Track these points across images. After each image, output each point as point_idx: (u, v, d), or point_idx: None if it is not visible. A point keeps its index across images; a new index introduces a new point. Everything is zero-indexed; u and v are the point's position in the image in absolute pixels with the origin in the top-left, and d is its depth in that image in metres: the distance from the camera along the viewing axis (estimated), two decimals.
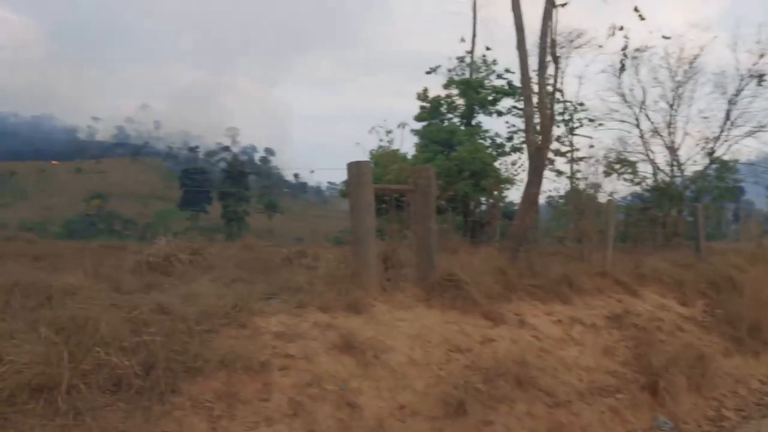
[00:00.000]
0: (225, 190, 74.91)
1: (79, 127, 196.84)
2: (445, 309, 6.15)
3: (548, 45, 9.26)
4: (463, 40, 21.35)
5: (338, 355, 4.80)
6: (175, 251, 7.77)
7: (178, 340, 4.26)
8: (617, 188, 16.71)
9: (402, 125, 19.37)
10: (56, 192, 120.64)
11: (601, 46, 17.30)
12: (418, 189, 6.30)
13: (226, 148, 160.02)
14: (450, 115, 20.94)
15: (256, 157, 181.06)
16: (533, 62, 9.75)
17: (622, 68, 17.75)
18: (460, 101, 20.67)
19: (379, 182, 11.16)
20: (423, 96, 21.06)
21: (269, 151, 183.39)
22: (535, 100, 9.75)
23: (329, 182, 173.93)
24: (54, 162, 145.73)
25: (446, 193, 14.66)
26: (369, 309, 5.58)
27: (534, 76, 10.01)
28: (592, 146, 19.55)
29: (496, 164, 19.04)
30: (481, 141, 19.44)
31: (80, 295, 4.84)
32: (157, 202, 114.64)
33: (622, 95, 19.59)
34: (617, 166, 17.17)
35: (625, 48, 13.37)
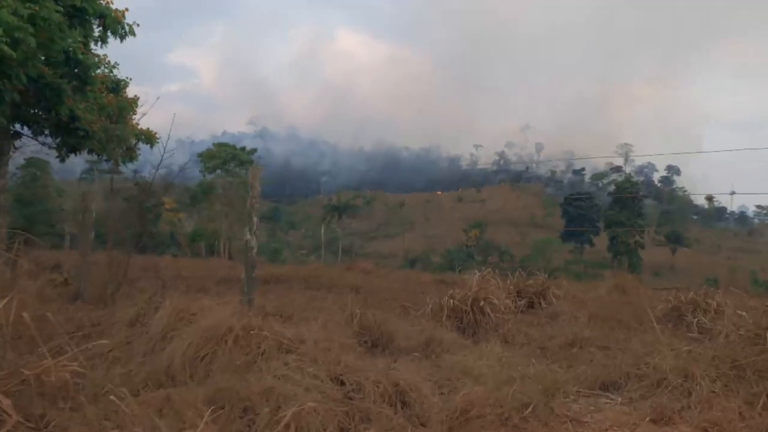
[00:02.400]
0: (613, 217, 71.53)
1: (462, 156, 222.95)
2: None
3: None
4: None
5: None
6: (489, 293, 6.38)
7: None
8: None
9: None
10: (439, 222, 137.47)
11: None
12: None
13: (617, 169, 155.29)
14: None
15: (655, 177, 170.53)
16: None
17: None
18: None
19: None
20: None
21: (672, 170, 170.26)
22: None
23: (757, 206, 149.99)
24: (438, 192, 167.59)
25: None
26: None
27: None
28: None
29: None
30: None
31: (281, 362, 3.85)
32: (537, 231, 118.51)
33: None
34: None
35: None
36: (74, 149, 11.59)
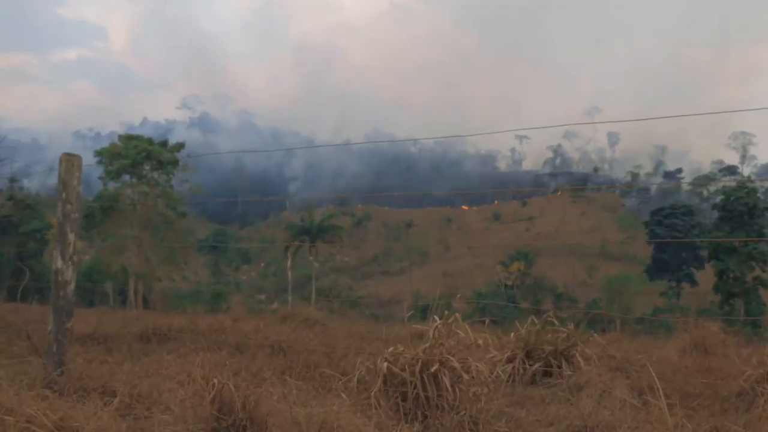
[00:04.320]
0: (719, 241, 71.06)
1: (499, 152, 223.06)
2: None
3: None
4: None
5: None
6: (454, 352, 5.98)
7: None
8: None
9: None
10: (465, 251, 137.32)
11: None
12: None
13: (731, 169, 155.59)
14: None
15: None
16: None
17: None
18: None
19: None
20: None
21: None
22: None
23: None
24: (464, 207, 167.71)
25: None
26: None
27: None
28: None
29: None
30: None
31: None
32: (610, 263, 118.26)
33: None
34: None
35: None
36: None
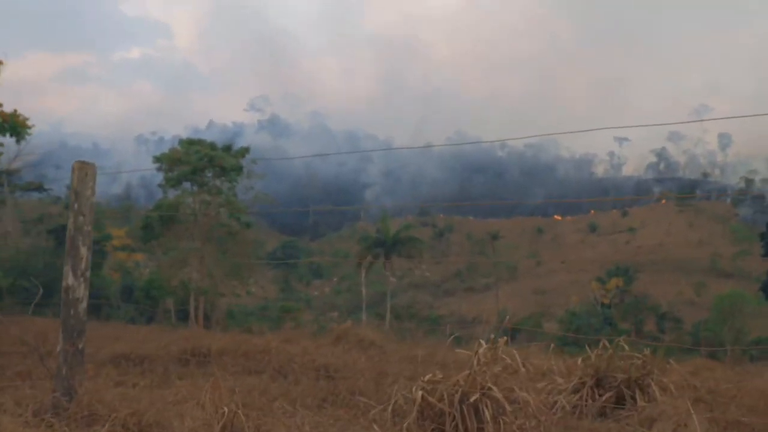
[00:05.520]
0: None
1: (596, 156, 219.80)
2: None
3: None
4: None
5: None
6: (499, 380, 5.88)
7: None
8: None
9: None
10: (556, 266, 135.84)
11: None
12: None
13: None
14: None
15: None
16: None
17: None
18: None
19: None
20: None
21: None
22: None
23: None
24: (557, 217, 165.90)
25: None
26: None
27: None
28: None
29: None
30: None
31: None
32: (721, 280, 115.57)
33: None
34: None
35: None
36: None
